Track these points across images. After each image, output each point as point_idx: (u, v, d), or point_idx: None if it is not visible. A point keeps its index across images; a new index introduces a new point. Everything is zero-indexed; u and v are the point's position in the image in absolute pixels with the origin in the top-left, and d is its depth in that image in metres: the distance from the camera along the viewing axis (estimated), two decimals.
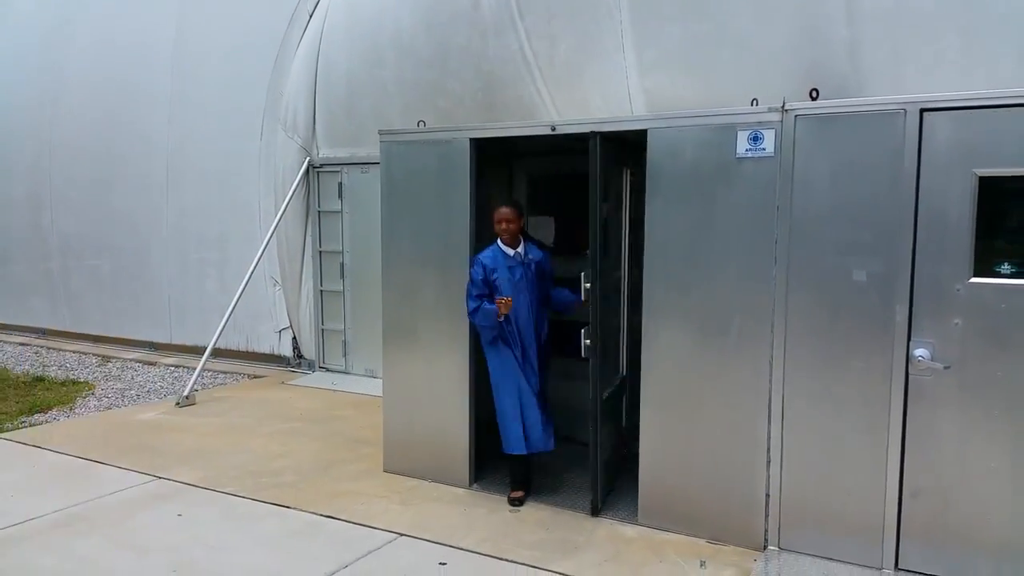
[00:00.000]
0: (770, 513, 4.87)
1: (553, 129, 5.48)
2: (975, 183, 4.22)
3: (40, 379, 9.94)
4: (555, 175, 6.96)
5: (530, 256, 5.72)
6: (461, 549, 4.95)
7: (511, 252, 5.64)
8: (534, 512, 5.52)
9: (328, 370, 10.16)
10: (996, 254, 4.25)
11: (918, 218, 4.36)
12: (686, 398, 5.06)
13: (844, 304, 4.56)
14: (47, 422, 8.02)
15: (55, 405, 8.64)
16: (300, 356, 10.42)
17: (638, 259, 5.34)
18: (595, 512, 5.42)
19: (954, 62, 6.01)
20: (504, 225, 5.63)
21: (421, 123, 6.11)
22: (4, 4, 13.39)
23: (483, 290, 5.54)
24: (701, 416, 5.01)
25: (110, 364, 11.03)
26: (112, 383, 9.84)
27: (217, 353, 10.13)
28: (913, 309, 4.41)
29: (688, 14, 7.00)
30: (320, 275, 10.11)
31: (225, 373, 10.22)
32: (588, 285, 5.28)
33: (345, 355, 10.03)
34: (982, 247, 4.25)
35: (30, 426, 7.84)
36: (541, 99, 7.97)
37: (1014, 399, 4.24)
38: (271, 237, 9.67)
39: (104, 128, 11.87)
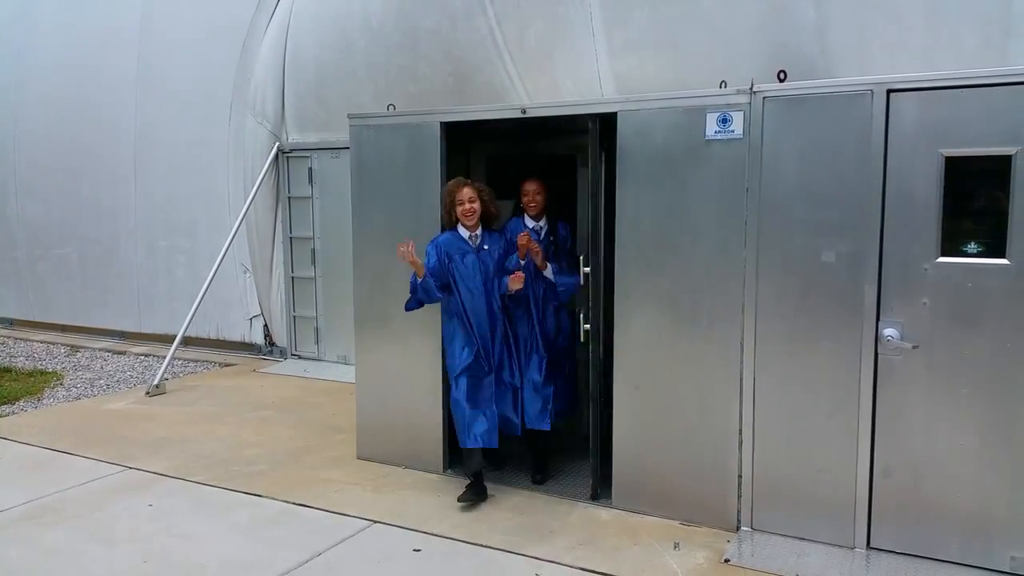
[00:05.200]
0: (743, 494, 4.89)
1: (523, 112, 5.46)
2: (941, 163, 4.25)
3: (7, 370, 9.80)
4: (517, 158, 6.83)
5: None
6: (435, 535, 4.94)
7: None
8: (509, 497, 5.52)
9: (300, 357, 10.11)
10: (963, 234, 4.28)
11: (886, 199, 4.38)
12: (659, 381, 5.07)
13: (813, 285, 4.59)
14: (14, 413, 7.92)
15: (23, 396, 8.53)
16: (272, 343, 10.35)
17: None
18: (595, 497, 5.43)
19: (920, 42, 6.05)
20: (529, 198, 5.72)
21: (391, 107, 6.06)
22: None
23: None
24: (674, 398, 5.03)
25: (79, 354, 10.91)
26: (81, 373, 9.73)
27: (188, 341, 10.05)
28: (882, 289, 4.44)
29: None
30: (291, 261, 10.03)
31: (196, 362, 10.13)
32: (587, 269, 5.35)
33: (317, 342, 9.98)
34: (949, 227, 4.29)
35: None
36: (511, 83, 7.94)
37: (981, 377, 4.28)
38: (241, 224, 9.58)
39: (70, 115, 11.67)
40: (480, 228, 5.52)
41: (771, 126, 4.62)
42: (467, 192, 5.41)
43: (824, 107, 4.50)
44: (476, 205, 5.41)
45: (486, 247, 5.52)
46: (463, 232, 5.49)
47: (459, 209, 5.42)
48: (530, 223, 5.72)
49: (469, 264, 5.45)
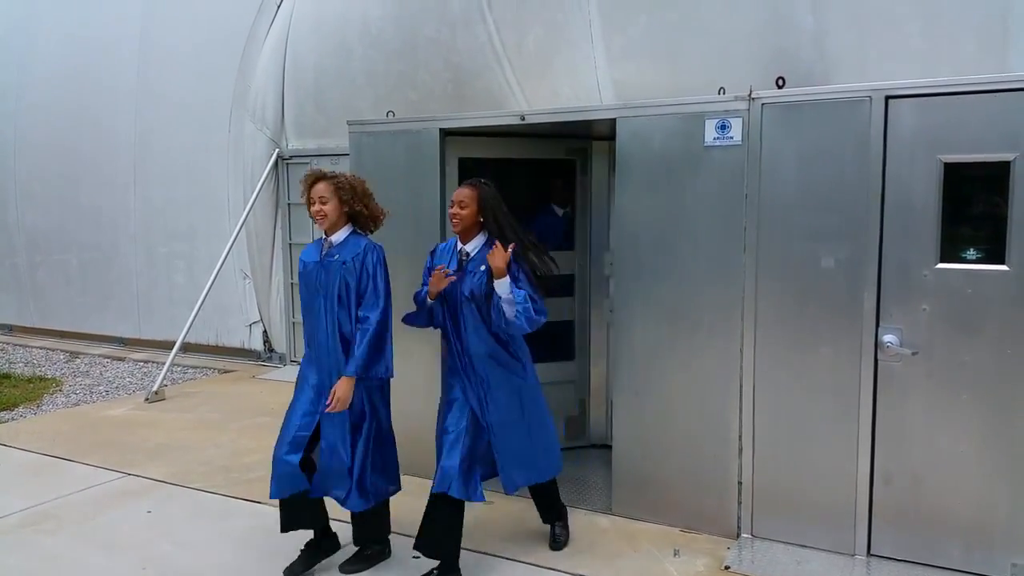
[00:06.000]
0: (743, 501, 4.89)
1: (523, 119, 5.46)
2: (940, 169, 4.25)
3: (6, 376, 9.78)
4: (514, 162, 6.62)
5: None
6: None
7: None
8: (508, 505, 5.50)
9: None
10: (962, 239, 4.28)
11: (885, 205, 4.38)
12: (658, 387, 5.06)
13: (813, 291, 4.58)
14: (13, 419, 7.91)
15: (22, 402, 8.52)
16: (271, 350, 10.34)
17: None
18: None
19: (918, 49, 6.05)
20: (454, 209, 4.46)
21: (390, 113, 6.06)
22: None
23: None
24: (673, 405, 5.02)
25: (78, 360, 10.90)
26: (80, 379, 9.72)
27: (187, 348, 10.04)
28: (881, 295, 4.44)
29: (655, 3, 7.00)
30: (290, 267, 10.01)
31: (195, 368, 10.13)
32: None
33: None
34: (948, 233, 4.28)
35: None
36: (511, 89, 7.95)
37: (981, 383, 4.28)
38: (240, 230, 9.58)
39: (70, 122, 11.69)
40: (347, 233, 4.46)
41: (770, 132, 4.62)
42: (319, 188, 4.38)
43: (823, 113, 4.50)
44: (328, 207, 4.35)
45: (336, 256, 4.39)
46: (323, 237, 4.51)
47: (311, 209, 4.42)
48: (468, 246, 4.49)
49: (307, 275, 4.50)
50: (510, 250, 4.26)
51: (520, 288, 4.27)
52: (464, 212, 4.39)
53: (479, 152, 6.10)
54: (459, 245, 4.51)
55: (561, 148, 6.37)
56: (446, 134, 5.71)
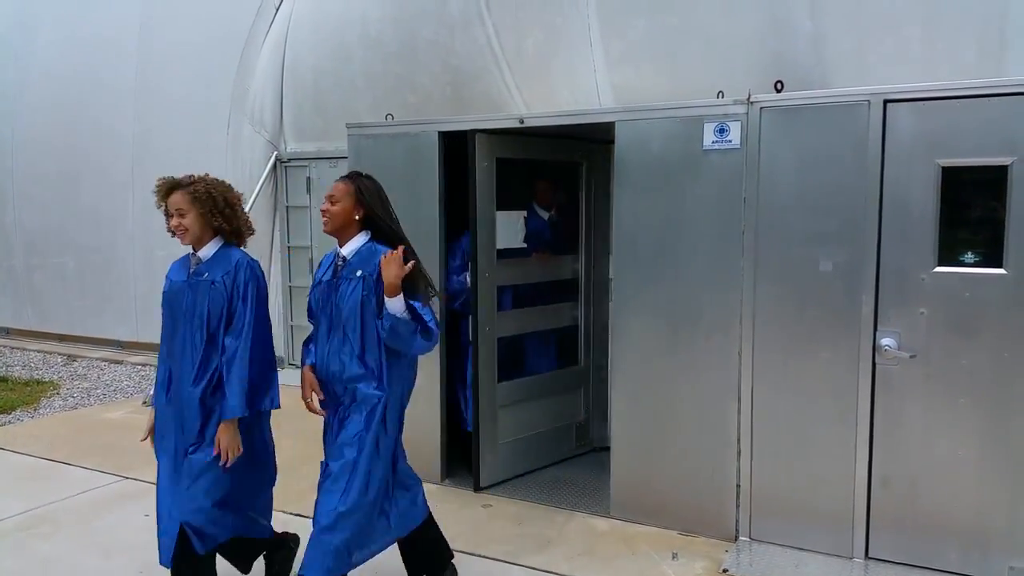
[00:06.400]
0: (741, 504, 4.89)
1: (521, 122, 5.47)
2: (938, 173, 4.26)
3: (3, 379, 9.76)
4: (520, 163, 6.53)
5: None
6: None
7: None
8: (507, 507, 5.51)
9: (297, 367, 10.06)
10: (960, 243, 4.29)
11: (883, 209, 4.39)
12: (656, 390, 5.07)
13: (811, 295, 4.59)
14: (11, 423, 7.90)
15: (19, 405, 8.50)
16: None
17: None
18: None
19: (917, 53, 6.06)
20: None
21: (389, 116, 6.07)
22: None
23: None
24: (672, 408, 5.03)
25: (76, 363, 10.88)
26: (78, 382, 9.71)
27: None
28: (879, 299, 4.45)
29: (654, 7, 7.00)
30: (288, 271, 10.01)
31: None
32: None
33: None
34: (946, 236, 4.29)
35: None
36: (509, 93, 7.95)
37: (979, 386, 4.28)
38: None
39: (68, 123, 11.65)
40: (217, 246, 3.89)
41: (768, 136, 4.63)
42: (175, 200, 3.81)
43: (821, 117, 4.51)
44: (187, 220, 3.78)
45: (205, 274, 3.83)
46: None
47: (169, 223, 3.85)
48: (344, 250, 3.93)
49: (171, 296, 3.93)
50: (403, 259, 3.69)
51: (419, 304, 3.77)
52: (335, 208, 3.84)
53: (512, 152, 5.94)
54: (337, 249, 3.94)
55: (569, 150, 6.34)
56: (445, 137, 5.70)
